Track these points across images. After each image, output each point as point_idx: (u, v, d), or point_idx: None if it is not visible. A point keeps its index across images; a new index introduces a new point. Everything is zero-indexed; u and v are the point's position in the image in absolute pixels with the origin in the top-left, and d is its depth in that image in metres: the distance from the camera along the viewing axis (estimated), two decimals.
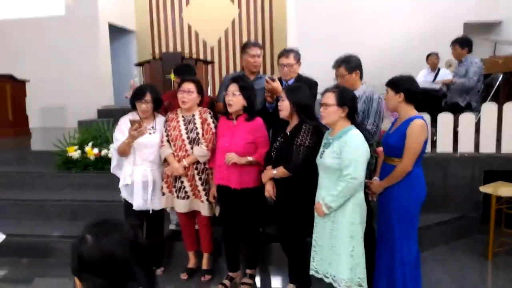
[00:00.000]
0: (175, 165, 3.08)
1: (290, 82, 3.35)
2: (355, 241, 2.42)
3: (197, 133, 3.10)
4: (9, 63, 8.00)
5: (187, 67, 3.65)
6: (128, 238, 1.07)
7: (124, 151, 3.13)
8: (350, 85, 2.93)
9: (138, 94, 3.14)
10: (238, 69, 9.33)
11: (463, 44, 4.67)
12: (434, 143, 4.22)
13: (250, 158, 2.88)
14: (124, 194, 3.23)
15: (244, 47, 3.63)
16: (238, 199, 2.96)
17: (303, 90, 2.74)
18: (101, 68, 8.49)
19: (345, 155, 2.38)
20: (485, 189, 3.53)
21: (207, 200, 3.12)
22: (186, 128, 3.12)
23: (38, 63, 8.30)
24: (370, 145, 2.82)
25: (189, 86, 3.10)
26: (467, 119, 4.05)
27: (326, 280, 2.53)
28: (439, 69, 5.94)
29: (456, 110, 4.41)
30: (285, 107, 2.72)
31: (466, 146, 4.08)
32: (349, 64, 2.97)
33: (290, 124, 2.80)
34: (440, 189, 4.06)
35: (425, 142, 2.56)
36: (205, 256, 3.35)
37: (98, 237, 1.08)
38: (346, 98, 2.46)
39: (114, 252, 1.06)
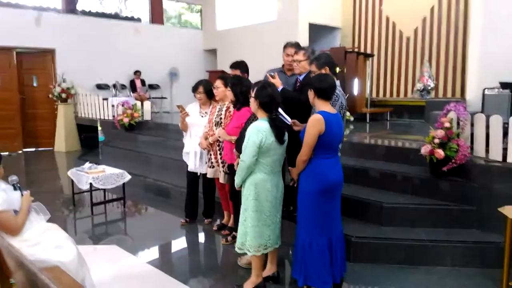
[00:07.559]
0: (202, 140, 4.10)
1: (301, 76, 3.73)
2: (247, 213, 2.87)
3: (221, 118, 3.99)
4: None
5: (240, 63, 4.44)
6: None
7: (182, 128, 4.39)
8: None
9: (194, 87, 4.30)
10: (434, 57, 8.89)
11: None
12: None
13: (233, 138, 3.58)
14: (185, 159, 4.49)
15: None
16: (230, 171, 3.73)
17: (244, 83, 3.35)
18: None
19: (244, 141, 2.85)
20: (502, 210, 2.84)
21: (223, 171, 3.98)
22: (217, 114, 4.06)
23: (252, 61, 10.41)
24: None
25: (217, 82, 4.03)
26: None
27: None
28: None
29: None
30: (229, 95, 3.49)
31: None
32: (319, 61, 3.20)
33: None
34: None
35: (326, 135, 2.64)
36: (230, 215, 4.22)
37: None
38: (259, 94, 2.86)
39: None
